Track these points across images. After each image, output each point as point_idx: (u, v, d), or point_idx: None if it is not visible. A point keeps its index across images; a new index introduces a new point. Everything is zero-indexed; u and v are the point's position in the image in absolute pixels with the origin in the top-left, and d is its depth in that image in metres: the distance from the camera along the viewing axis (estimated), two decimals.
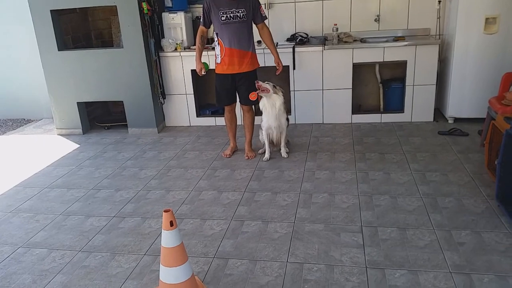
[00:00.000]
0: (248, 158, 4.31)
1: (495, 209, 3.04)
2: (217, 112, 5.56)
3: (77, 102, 5.38)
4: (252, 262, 2.64)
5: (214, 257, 2.72)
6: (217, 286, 2.45)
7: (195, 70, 4.30)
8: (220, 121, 5.31)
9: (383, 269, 2.49)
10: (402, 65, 4.92)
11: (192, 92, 5.36)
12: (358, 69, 5.10)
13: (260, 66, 4.33)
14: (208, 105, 5.68)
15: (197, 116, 5.49)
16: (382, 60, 4.92)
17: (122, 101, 5.31)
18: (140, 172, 4.17)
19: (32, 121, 6.41)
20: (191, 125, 5.53)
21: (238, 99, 4.30)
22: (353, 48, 4.90)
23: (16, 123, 6.37)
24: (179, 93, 5.40)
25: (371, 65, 5.19)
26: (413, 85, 4.92)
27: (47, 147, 5.16)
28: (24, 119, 6.50)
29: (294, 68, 5.05)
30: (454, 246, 2.65)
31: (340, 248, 2.71)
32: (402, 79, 5.01)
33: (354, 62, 4.93)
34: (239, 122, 4.63)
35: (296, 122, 5.28)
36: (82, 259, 2.81)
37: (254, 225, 3.05)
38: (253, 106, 4.35)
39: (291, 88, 5.15)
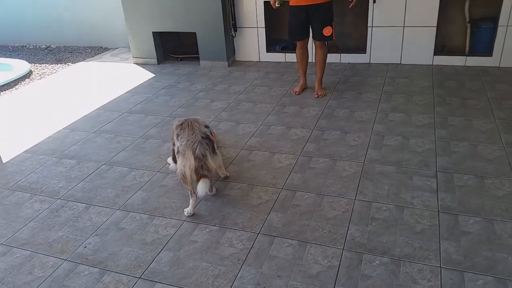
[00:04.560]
0: (318, 97, 4.22)
1: None
2: (287, 48, 5.43)
3: (153, 32, 5.49)
4: (319, 196, 2.68)
5: (282, 188, 2.79)
6: (285, 214, 2.53)
7: (268, 1, 4.16)
8: (290, 57, 5.19)
9: (456, 215, 2.42)
10: (496, 2, 4.41)
11: (264, 26, 5.24)
12: (445, 4, 4.64)
13: None
14: (278, 40, 5.55)
15: (267, 52, 5.41)
16: None
17: (195, 33, 5.34)
18: (212, 104, 4.27)
19: (109, 49, 6.69)
20: (261, 60, 5.47)
21: (311, 34, 4.15)
22: None
23: (94, 50, 6.69)
24: (250, 26, 5.30)
25: (460, 0, 4.71)
26: (507, 26, 4.43)
27: (124, 74, 5.41)
28: (102, 47, 6.80)
29: (374, 1, 4.72)
30: None
31: (411, 191, 2.66)
32: (494, 19, 4.52)
33: None
34: (310, 59, 4.49)
35: (371, 62, 5.03)
36: (160, 179, 3.01)
37: (322, 162, 3.06)
38: (326, 42, 4.18)
39: (369, 24, 4.85)
